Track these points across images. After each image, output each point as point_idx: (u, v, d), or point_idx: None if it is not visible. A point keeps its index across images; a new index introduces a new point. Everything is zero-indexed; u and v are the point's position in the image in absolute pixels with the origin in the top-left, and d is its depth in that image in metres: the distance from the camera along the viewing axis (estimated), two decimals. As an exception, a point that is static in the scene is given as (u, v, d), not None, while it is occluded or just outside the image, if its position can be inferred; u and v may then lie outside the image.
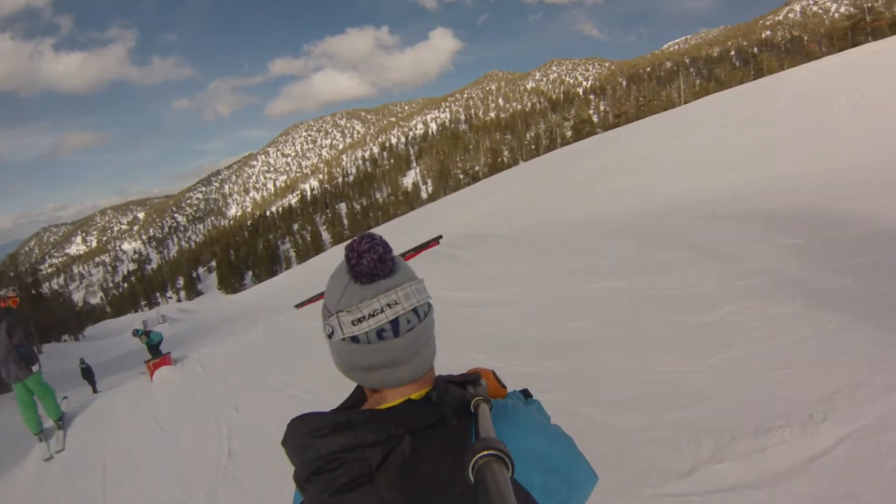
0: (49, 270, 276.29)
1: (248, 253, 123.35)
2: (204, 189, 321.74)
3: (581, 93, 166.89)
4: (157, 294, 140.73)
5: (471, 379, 1.02)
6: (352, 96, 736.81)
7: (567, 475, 0.87)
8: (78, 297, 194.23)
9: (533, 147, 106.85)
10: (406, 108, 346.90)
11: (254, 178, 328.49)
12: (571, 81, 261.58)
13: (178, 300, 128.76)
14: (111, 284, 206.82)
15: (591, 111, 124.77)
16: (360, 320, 0.85)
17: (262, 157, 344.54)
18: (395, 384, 0.89)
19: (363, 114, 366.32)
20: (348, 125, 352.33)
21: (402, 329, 0.86)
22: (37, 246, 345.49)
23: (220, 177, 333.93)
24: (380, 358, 0.86)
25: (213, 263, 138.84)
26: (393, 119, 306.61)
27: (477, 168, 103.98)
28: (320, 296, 11.08)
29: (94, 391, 15.85)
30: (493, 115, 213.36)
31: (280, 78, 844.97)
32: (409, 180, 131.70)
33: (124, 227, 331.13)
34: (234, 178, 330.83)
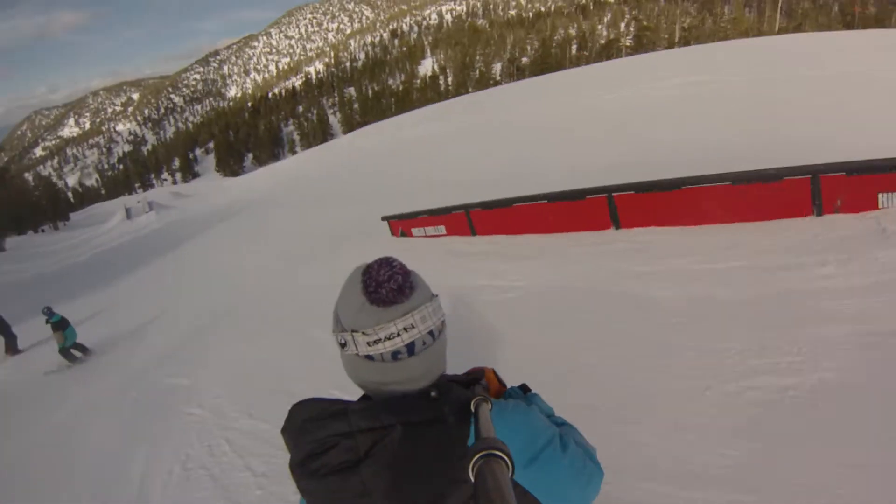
0: (42, 154, 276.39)
1: (248, 134, 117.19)
2: (202, 70, 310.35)
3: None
4: (152, 175, 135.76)
5: (475, 378, 1.04)
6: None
7: (574, 475, 0.89)
8: (73, 179, 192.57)
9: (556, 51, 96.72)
10: None
11: (255, 59, 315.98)
12: None
13: (174, 182, 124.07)
14: (106, 166, 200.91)
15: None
16: (375, 342, 0.84)
17: (264, 38, 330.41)
18: (403, 394, 0.89)
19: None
20: (356, 9, 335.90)
21: (417, 350, 0.86)
22: (29, 130, 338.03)
23: (218, 57, 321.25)
24: (393, 376, 0.86)
25: (211, 145, 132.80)
26: (404, 7, 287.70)
27: (524, 60, 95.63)
28: (419, 218, 9.91)
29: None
30: (513, 13, 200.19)
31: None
32: (424, 69, 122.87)
33: (118, 108, 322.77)
34: (233, 58, 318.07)
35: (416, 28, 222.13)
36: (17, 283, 21.14)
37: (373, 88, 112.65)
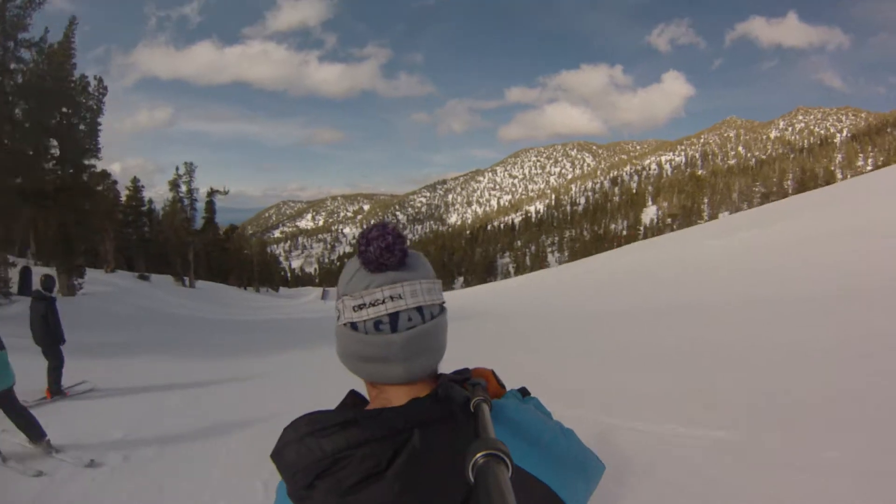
0: (279, 236, 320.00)
1: (462, 258, 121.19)
2: (428, 194, 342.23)
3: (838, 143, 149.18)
4: None
5: (464, 377, 1.01)
6: (582, 131, 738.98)
7: (580, 467, 0.88)
8: (296, 263, 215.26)
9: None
10: (638, 147, 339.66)
11: (478, 192, 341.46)
12: (822, 132, 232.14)
13: None
14: (326, 260, 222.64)
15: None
16: (360, 307, 0.83)
17: (489, 174, 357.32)
18: (385, 381, 0.86)
19: (594, 147, 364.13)
20: (579, 156, 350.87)
21: (400, 325, 0.82)
22: (274, 214, 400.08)
23: (445, 186, 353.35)
24: (372, 350, 0.83)
25: None
26: (624, 157, 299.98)
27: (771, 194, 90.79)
28: None
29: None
30: (732, 162, 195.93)
31: (514, 105, 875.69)
32: (648, 216, 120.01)
33: (349, 214, 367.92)
34: (458, 189, 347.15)
35: (636, 177, 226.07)
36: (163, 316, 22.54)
37: (593, 231, 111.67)
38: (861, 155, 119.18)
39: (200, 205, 47.54)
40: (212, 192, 50.21)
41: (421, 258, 0.89)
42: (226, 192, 51.37)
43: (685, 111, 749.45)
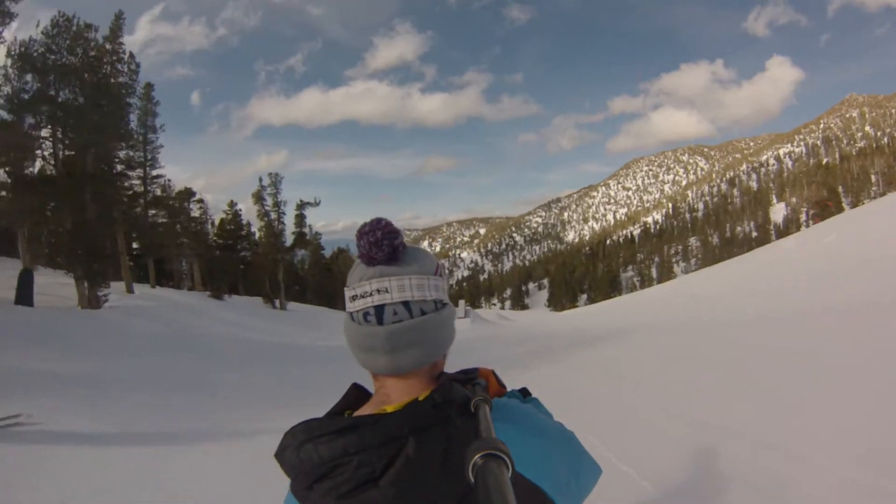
0: None
1: (584, 275, 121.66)
2: (543, 214, 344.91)
3: None
4: (483, 298, 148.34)
5: (470, 377, 1.02)
6: (691, 135, 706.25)
7: (574, 470, 0.88)
8: None
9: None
10: (751, 143, 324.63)
11: (593, 208, 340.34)
12: None
13: (502, 307, 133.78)
14: (446, 287, 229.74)
15: None
16: (353, 298, 0.86)
17: (603, 188, 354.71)
18: (374, 370, 0.89)
19: (706, 150, 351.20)
20: (691, 161, 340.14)
21: (385, 318, 0.84)
22: None
23: (559, 204, 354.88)
24: (362, 340, 0.86)
25: (545, 280, 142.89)
26: (738, 155, 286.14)
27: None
28: None
29: None
30: (861, 144, 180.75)
31: (619, 115, 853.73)
32: (776, 215, 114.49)
33: (466, 238, 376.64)
34: (573, 206, 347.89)
35: (754, 175, 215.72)
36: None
37: (720, 235, 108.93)
38: None
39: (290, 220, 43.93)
40: (302, 205, 44.45)
41: (420, 254, 0.91)
42: (317, 203, 45.70)
43: (797, 98, 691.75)
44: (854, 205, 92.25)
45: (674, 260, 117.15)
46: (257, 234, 45.12)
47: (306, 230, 45.33)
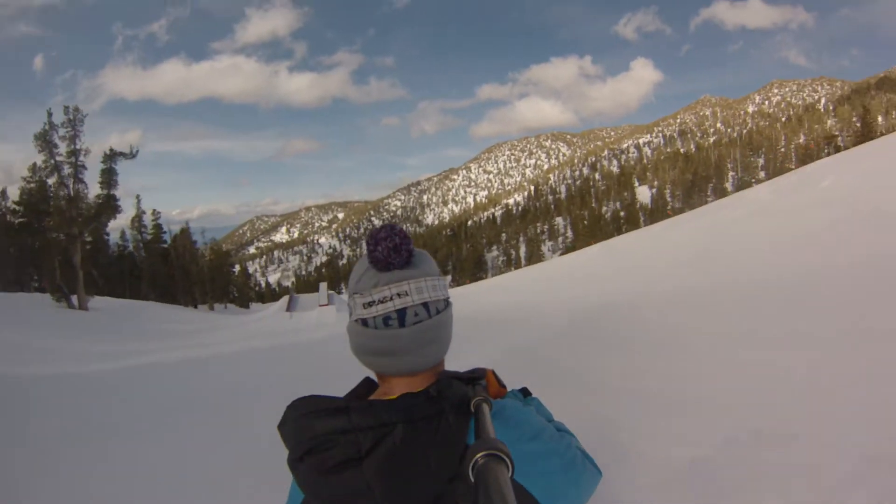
0: (254, 252, 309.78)
1: (447, 256, 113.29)
2: (403, 198, 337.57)
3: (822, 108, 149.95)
4: (342, 283, 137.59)
5: (477, 376, 1.03)
6: (555, 123, 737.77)
7: (572, 475, 0.88)
8: (273, 278, 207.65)
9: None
10: (612, 133, 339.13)
11: (453, 191, 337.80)
12: (799, 103, 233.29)
13: None
14: (304, 272, 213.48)
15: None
16: (369, 304, 0.87)
17: (464, 171, 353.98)
18: (394, 373, 0.90)
19: (568, 136, 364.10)
20: (553, 146, 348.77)
21: (408, 320, 0.87)
22: (248, 231, 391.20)
23: (419, 187, 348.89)
24: (382, 344, 0.87)
25: None
26: (600, 143, 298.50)
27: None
28: None
29: None
30: (713, 139, 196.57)
31: (486, 102, 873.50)
32: (642, 196, 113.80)
33: (324, 224, 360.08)
34: (433, 189, 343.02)
35: (615, 161, 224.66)
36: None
37: (589, 215, 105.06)
38: (856, 117, 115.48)
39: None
40: (112, 155, 31.16)
41: (426, 256, 0.94)
42: (133, 155, 32.06)
43: (655, 96, 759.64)
44: (717, 190, 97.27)
45: (541, 238, 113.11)
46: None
47: (117, 193, 31.21)
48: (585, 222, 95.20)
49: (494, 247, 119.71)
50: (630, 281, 16.76)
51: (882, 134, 65.54)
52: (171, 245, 51.91)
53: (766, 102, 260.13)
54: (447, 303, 0.94)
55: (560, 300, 16.42)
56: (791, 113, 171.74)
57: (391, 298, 0.86)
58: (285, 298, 41.27)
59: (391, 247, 0.87)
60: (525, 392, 1.20)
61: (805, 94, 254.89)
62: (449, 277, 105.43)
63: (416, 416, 0.81)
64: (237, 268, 71.81)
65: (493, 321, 13.57)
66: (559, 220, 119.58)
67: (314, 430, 0.81)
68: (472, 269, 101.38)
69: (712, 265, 14.43)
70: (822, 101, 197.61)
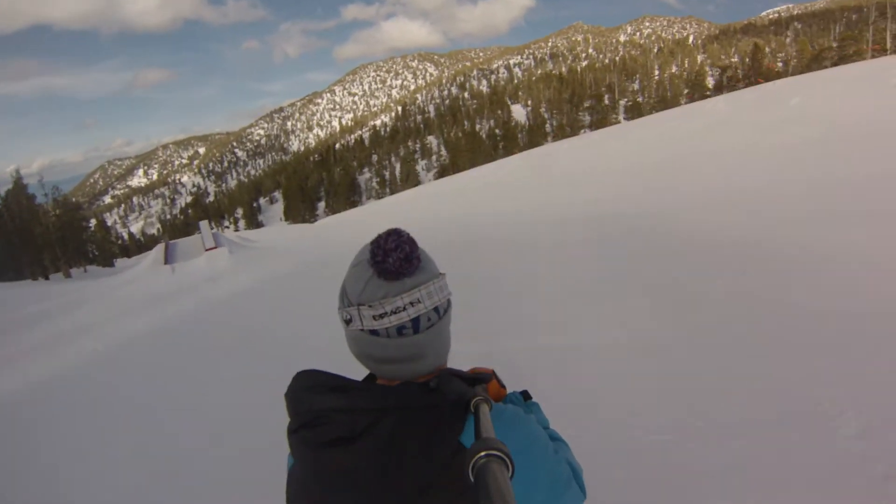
0: (110, 201, 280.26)
1: (318, 182, 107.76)
2: (266, 126, 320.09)
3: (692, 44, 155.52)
4: (213, 222, 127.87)
5: (481, 378, 1.02)
6: (422, 44, 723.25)
7: (556, 491, 0.86)
8: (136, 227, 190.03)
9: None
10: (481, 54, 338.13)
11: (318, 115, 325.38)
12: (669, 38, 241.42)
13: (236, 230, 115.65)
14: (169, 216, 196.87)
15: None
16: (381, 316, 0.84)
17: (328, 95, 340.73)
18: (410, 377, 0.89)
19: (436, 57, 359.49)
20: (420, 67, 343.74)
21: (422, 327, 0.86)
22: (101, 179, 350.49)
23: (282, 114, 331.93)
24: (398, 352, 0.86)
25: (277, 193, 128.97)
26: (468, 63, 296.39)
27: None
28: None
29: None
30: (584, 63, 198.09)
31: (351, 23, 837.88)
32: (518, 115, 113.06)
33: (185, 161, 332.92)
34: (297, 115, 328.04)
35: (484, 81, 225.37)
36: None
37: (461, 133, 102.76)
38: (724, 55, 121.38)
39: None
40: None
41: (427, 255, 0.92)
42: None
43: (526, 21, 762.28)
44: (597, 110, 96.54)
45: (414, 158, 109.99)
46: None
47: None
48: (462, 140, 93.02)
49: (366, 169, 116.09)
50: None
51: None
52: (3, 206, 43.37)
53: (638, 34, 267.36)
54: (449, 301, 0.94)
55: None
56: (662, 45, 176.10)
57: (404, 308, 0.84)
58: (159, 248, 34.23)
59: (402, 257, 0.84)
60: (525, 395, 1.17)
61: (675, 31, 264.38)
62: (322, 204, 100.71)
63: (414, 405, 0.81)
64: (93, 222, 61.61)
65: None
66: (431, 139, 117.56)
67: (312, 405, 0.81)
68: (346, 194, 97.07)
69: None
70: (691, 38, 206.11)
